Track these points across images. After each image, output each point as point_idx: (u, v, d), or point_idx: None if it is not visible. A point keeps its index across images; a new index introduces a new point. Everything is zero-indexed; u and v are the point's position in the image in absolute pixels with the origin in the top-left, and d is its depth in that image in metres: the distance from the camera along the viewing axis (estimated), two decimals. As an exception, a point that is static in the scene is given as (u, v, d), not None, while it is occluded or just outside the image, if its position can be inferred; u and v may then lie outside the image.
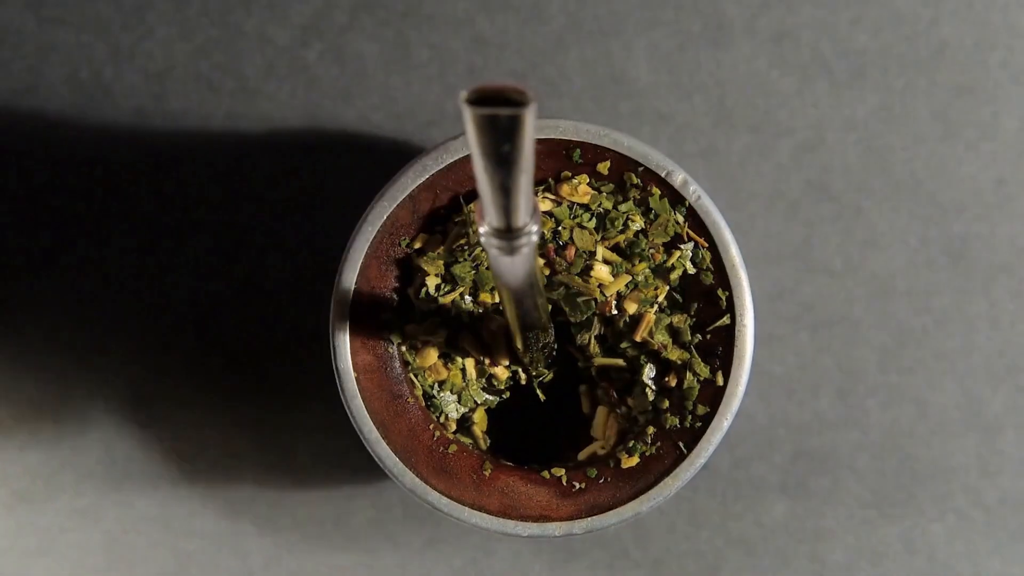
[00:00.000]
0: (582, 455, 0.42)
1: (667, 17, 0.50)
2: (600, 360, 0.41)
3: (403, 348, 0.40)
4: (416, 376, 0.41)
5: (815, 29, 0.50)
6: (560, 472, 0.40)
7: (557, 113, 0.50)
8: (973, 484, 0.50)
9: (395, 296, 0.40)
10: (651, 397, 0.41)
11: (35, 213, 0.50)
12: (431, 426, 0.40)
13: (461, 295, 0.40)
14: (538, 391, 0.42)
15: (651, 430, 0.40)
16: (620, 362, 0.41)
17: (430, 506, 0.40)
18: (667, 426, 0.40)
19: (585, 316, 0.40)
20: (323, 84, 0.50)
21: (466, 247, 0.40)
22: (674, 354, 0.40)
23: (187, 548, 0.50)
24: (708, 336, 0.40)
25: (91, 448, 0.50)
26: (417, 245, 0.40)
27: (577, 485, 0.40)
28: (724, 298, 0.40)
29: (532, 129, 0.24)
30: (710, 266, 0.40)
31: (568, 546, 0.50)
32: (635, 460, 0.40)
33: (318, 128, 0.50)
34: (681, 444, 0.40)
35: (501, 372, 0.41)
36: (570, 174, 0.40)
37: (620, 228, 0.40)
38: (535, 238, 0.29)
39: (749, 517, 0.50)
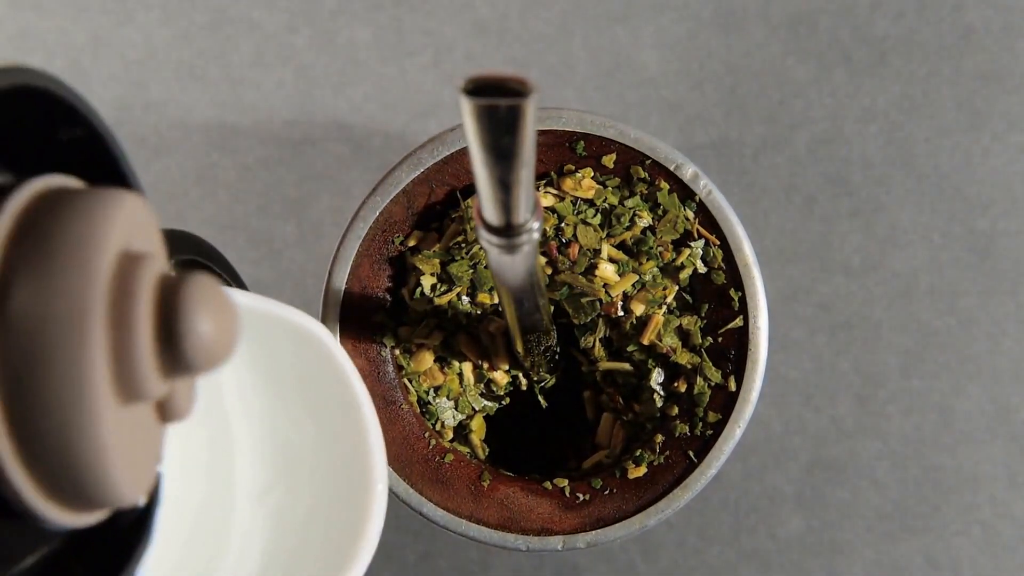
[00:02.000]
0: (586, 465, 0.42)
1: (676, 1, 0.50)
2: (605, 364, 0.41)
3: (397, 351, 0.40)
4: (410, 381, 0.40)
5: (833, 14, 0.50)
6: (563, 482, 0.40)
7: (560, 103, 0.50)
8: (1001, 495, 0.50)
9: (388, 297, 0.40)
10: (659, 403, 0.41)
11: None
12: (426, 434, 0.40)
13: (458, 296, 0.40)
14: (539, 397, 0.42)
15: (659, 438, 0.40)
16: (626, 366, 0.41)
17: (425, 518, 0.40)
18: (676, 434, 0.40)
19: (589, 318, 0.40)
20: (313, 72, 0.50)
21: (463, 245, 0.40)
22: (684, 358, 0.40)
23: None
24: (720, 339, 0.40)
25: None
26: (412, 243, 0.40)
27: (581, 496, 0.40)
28: (737, 299, 0.40)
29: (533, 120, 0.24)
30: (722, 265, 0.40)
31: (571, 561, 0.50)
32: (642, 470, 0.40)
33: (307, 119, 0.50)
34: (691, 453, 0.40)
35: (500, 377, 0.41)
36: (574, 167, 0.40)
37: (626, 225, 0.40)
38: (536, 235, 0.29)
39: (763, 530, 0.50)
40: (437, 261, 0.40)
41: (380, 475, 0.34)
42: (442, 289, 0.40)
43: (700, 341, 0.40)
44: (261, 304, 0.33)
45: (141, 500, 0.25)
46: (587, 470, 0.41)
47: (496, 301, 0.40)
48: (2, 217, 0.22)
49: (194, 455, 0.34)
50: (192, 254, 0.34)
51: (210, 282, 0.23)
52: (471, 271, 0.40)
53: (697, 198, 0.40)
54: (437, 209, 0.40)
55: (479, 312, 0.40)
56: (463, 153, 0.40)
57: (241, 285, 0.36)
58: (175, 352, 0.23)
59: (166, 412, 0.24)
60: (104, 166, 0.26)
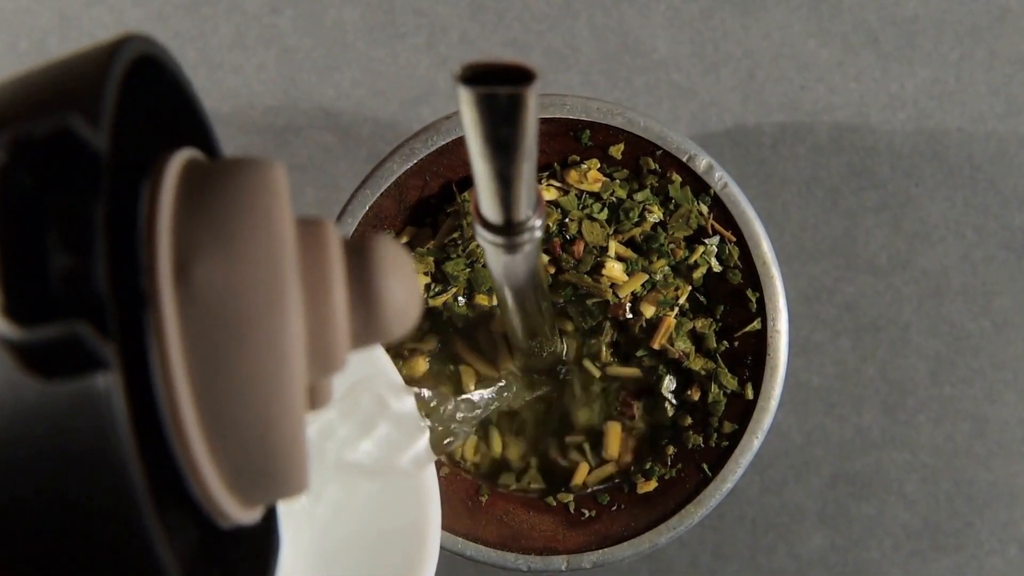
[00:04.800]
0: (592, 479, 0.42)
1: (689, -21, 0.50)
2: (613, 370, 0.41)
3: (388, 356, 0.40)
4: (403, 389, 0.40)
5: (858, -8, 0.50)
6: (567, 498, 0.40)
7: (564, 89, 0.50)
8: (1038, 511, 0.50)
9: (379, 297, 0.40)
10: (671, 412, 0.41)
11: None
12: (420, 446, 0.40)
13: (454, 297, 0.40)
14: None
15: (671, 450, 0.40)
16: (636, 372, 0.41)
17: (419, 537, 0.40)
18: (689, 445, 0.40)
19: (596, 321, 0.40)
20: (297, 55, 0.50)
21: (460, 242, 0.40)
22: (697, 363, 0.40)
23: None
24: (736, 343, 0.40)
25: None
26: (404, 239, 0.40)
27: (586, 513, 0.40)
28: (754, 300, 0.40)
29: (535, 109, 0.24)
30: (738, 263, 0.40)
31: (576, 581, 0.50)
32: (652, 484, 0.40)
33: (291, 105, 0.50)
34: (705, 466, 0.40)
35: (500, 384, 0.41)
36: (579, 158, 0.40)
37: (635, 220, 0.40)
38: (538, 233, 0.29)
39: (782, 548, 0.50)
40: (431, 259, 0.40)
41: None
42: (437, 289, 0.40)
43: (715, 345, 0.40)
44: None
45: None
46: (593, 484, 0.41)
47: (495, 303, 0.40)
48: (163, 194, 0.21)
49: None
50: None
51: (393, 243, 0.23)
52: (468, 270, 0.40)
53: (711, 191, 0.40)
54: (431, 203, 0.40)
55: (476, 314, 0.40)
56: (459, 143, 0.40)
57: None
58: (369, 317, 0.22)
59: (314, 398, 0.24)
60: (189, 136, 0.25)
